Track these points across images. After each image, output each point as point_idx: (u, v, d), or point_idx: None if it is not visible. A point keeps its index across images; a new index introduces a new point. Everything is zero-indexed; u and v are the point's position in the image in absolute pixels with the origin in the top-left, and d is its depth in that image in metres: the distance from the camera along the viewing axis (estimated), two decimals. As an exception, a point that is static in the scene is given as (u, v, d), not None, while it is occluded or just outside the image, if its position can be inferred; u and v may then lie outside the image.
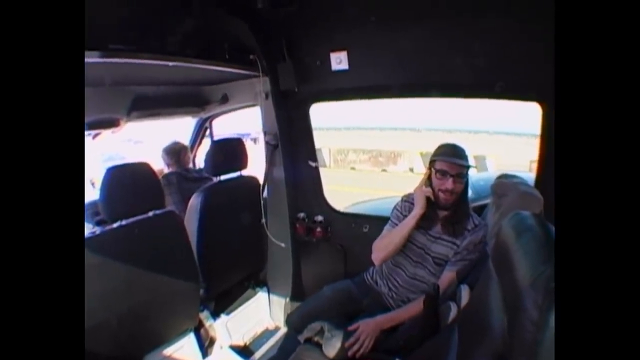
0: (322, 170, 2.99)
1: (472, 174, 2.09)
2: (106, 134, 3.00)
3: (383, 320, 2.00)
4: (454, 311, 1.66)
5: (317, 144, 2.93)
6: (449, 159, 1.97)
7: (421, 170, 12.30)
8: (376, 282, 2.28)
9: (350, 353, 1.89)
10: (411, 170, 14.37)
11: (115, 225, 1.95)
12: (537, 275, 0.86)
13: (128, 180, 2.00)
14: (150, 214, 2.10)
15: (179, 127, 4.13)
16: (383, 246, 2.13)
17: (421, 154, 14.09)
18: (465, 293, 1.67)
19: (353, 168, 15.37)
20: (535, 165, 2.23)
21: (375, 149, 15.71)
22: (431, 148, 2.07)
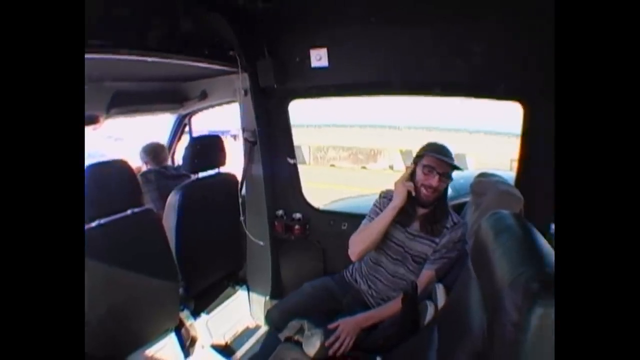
0: (301, 168, 2.99)
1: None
2: (86, 131, 2.94)
3: (363, 318, 2.00)
4: (430, 310, 1.66)
5: (297, 141, 2.92)
6: (439, 156, 1.96)
7: (401, 167, 12.34)
8: (355, 280, 2.28)
9: (330, 352, 1.89)
10: (391, 167, 14.37)
11: (93, 224, 1.91)
12: (516, 275, 0.85)
13: (106, 178, 1.95)
14: (129, 212, 2.07)
15: (159, 124, 4.10)
16: (360, 240, 2.12)
17: (401, 151, 14.11)
18: (440, 292, 1.68)
19: (333, 165, 15.35)
20: (515, 164, 2.24)
21: (354, 146, 15.68)
22: (411, 146, 2.09)
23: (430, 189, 1.99)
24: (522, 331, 0.79)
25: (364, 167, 15.09)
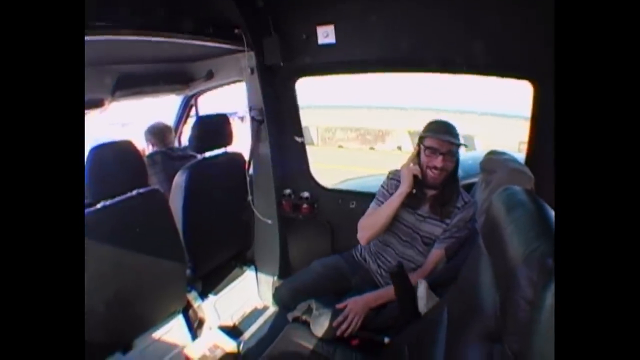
0: (309, 149, 2.95)
1: (461, 152, 2.05)
2: (92, 115, 2.92)
3: (371, 298, 1.98)
4: (422, 288, 1.67)
5: (304, 122, 2.88)
6: (439, 136, 1.92)
7: (409, 148, 12.23)
8: (365, 259, 2.27)
9: (338, 333, 1.87)
10: (399, 148, 14.25)
11: (99, 205, 1.88)
12: (530, 251, 0.82)
13: (111, 159, 1.92)
14: (134, 192, 2.04)
15: (166, 108, 4.05)
16: (369, 225, 2.10)
17: (409, 132, 13.97)
18: (422, 288, 1.67)
19: (341, 146, 15.24)
20: (524, 147, 2.21)
21: (363, 127, 15.57)
22: (419, 127, 2.04)
23: (435, 170, 1.94)
24: (537, 309, 0.76)
25: (372, 148, 14.97)
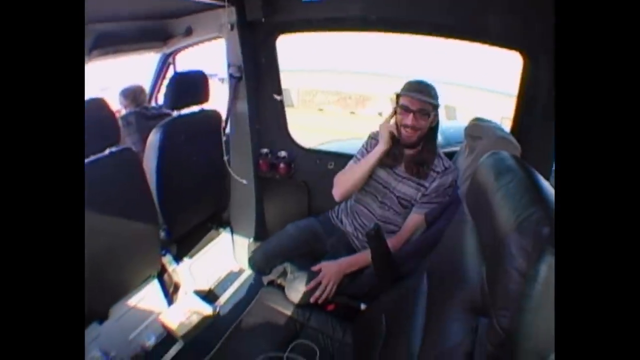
0: (288, 111, 2.87)
1: (442, 120, 2.00)
2: None
3: (346, 264, 1.94)
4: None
5: (285, 84, 2.78)
6: (412, 94, 1.87)
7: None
8: (341, 221, 2.23)
9: (312, 299, 1.85)
10: (380, 114, 14.19)
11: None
12: (523, 218, 0.77)
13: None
14: (107, 152, 1.93)
15: (145, 71, 3.92)
16: (343, 180, 2.08)
17: (391, 98, 13.84)
18: None
19: (321, 109, 15.16)
20: (507, 122, 2.17)
21: (344, 91, 15.46)
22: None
23: (408, 129, 1.90)
24: (531, 282, 0.71)
25: (352, 113, 14.92)
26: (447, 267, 1.18)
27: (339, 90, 15.60)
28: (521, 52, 1.98)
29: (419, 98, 1.86)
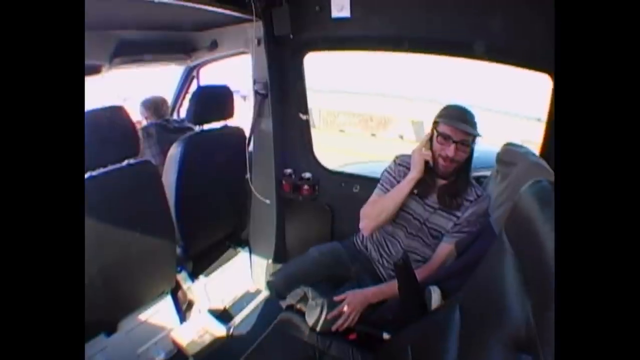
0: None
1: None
2: (90, 86, 2.78)
3: (371, 294, 1.85)
4: (436, 296, 1.53)
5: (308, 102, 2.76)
6: (454, 123, 1.78)
7: (411, 137, 12.19)
8: (366, 247, 2.14)
9: (333, 327, 1.76)
10: (401, 137, 14.22)
11: (85, 176, 1.74)
12: None
13: (100, 126, 1.76)
14: (124, 163, 1.90)
15: (169, 82, 3.92)
16: (374, 214, 1.96)
17: (413, 122, 13.94)
18: (436, 296, 1.53)
19: (342, 130, 15.18)
20: (529, 145, 2.06)
21: (366, 113, 15.49)
22: (423, 116, 1.91)
23: (447, 160, 1.81)
24: None
25: (373, 135, 14.91)
26: (485, 300, 1.10)
27: (361, 112, 15.66)
28: (550, 74, 1.92)
29: (462, 128, 1.77)
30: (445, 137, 1.80)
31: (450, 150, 1.79)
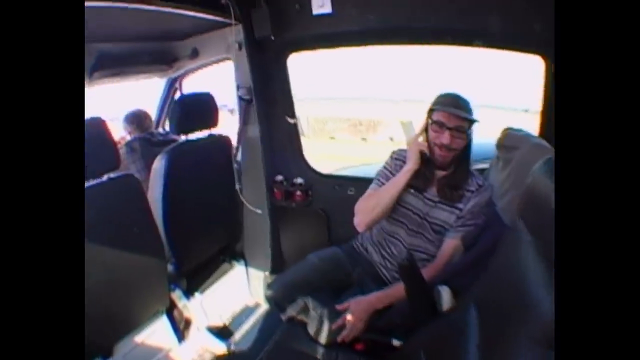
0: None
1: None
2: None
3: (376, 299, 1.74)
4: (446, 296, 1.42)
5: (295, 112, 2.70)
6: (447, 109, 1.71)
7: (401, 139, 12.23)
8: (366, 250, 2.04)
9: (339, 339, 1.67)
10: (391, 139, 14.26)
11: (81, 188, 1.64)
12: None
13: None
14: (105, 178, 1.81)
15: (152, 97, 3.84)
16: (369, 208, 1.86)
17: (402, 122, 13.94)
18: (446, 295, 1.43)
19: (332, 137, 15.20)
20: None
21: (354, 117, 15.55)
22: (411, 117, 1.85)
23: (443, 148, 1.74)
24: None
25: (364, 139, 14.95)
26: (505, 294, 1.02)
27: (349, 117, 15.73)
28: (542, 56, 1.89)
29: (457, 114, 1.70)
30: (440, 125, 1.73)
31: (445, 138, 1.72)
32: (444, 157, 1.76)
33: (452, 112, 1.70)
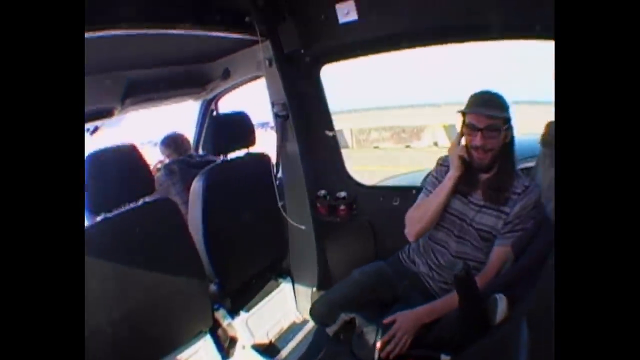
0: (344, 152, 2.74)
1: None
2: (108, 131, 2.82)
3: (424, 312, 1.68)
4: (502, 306, 1.33)
5: (337, 126, 2.67)
6: (475, 110, 1.67)
7: (446, 144, 12.09)
8: (413, 262, 1.99)
9: (383, 354, 1.60)
10: (435, 144, 14.17)
11: (99, 218, 1.68)
12: None
13: (112, 165, 1.71)
14: (140, 202, 1.84)
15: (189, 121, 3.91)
16: (417, 217, 1.85)
17: (444, 126, 13.85)
18: (502, 304, 1.34)
19: (377, 147, 15.19)
20: None
21: (397, 125, 15.50)
22: (454, 121, 1.79)
23: (479, 150, 1.69)
24: None
25: (408, 146, 14.87)
26: None
27: (392, 125, 15.69)
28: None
29: (486, 113, 1.65)
30: (471, 127, 1.70)
31: (477, 139, 1.68)
32: (482, 158, 1.71)
33: (480, 112, 1.66)
